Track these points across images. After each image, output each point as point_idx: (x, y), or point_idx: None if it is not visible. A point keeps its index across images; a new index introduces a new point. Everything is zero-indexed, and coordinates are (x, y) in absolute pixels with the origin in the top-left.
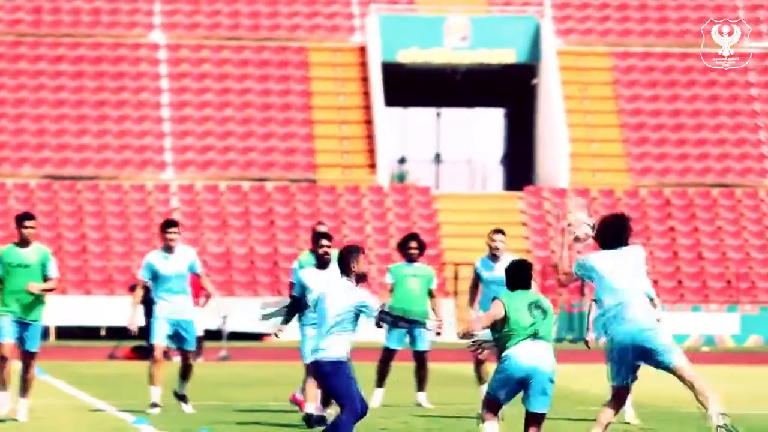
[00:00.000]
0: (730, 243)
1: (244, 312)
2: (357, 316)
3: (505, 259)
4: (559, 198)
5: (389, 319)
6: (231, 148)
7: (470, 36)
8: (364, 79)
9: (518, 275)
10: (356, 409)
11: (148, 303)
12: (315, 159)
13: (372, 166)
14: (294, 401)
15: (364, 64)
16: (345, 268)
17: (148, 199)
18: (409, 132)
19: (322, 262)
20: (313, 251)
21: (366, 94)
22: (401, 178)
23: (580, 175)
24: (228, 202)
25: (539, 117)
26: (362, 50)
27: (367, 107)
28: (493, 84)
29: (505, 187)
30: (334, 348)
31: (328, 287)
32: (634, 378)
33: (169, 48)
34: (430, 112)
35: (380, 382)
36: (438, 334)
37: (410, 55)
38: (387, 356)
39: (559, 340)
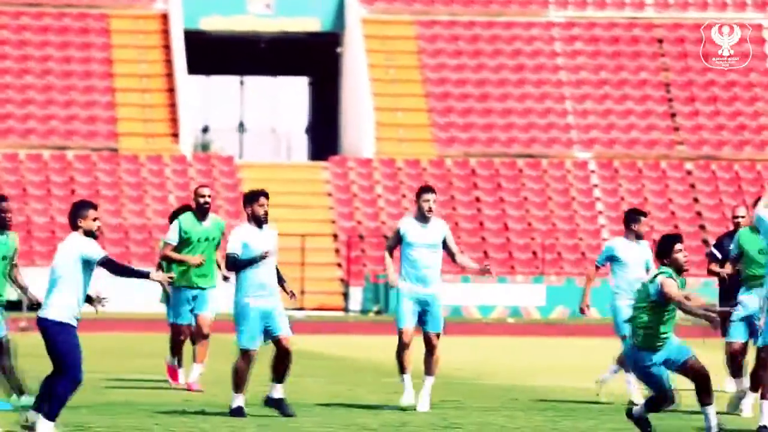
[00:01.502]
0: (535, 214)
1: (45, 282)
2: (86, 268)
3: (434, 222)
4: (364, 168)
5: (112, 267)
6: (31, 116)
7: (274, 4)
8: (167, 47)
9: (658, 250)
10: (78, 376)
11: None
12: (117, 128)
13: (175, 135)
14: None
15: (166, 32)
16: (73, 223)
17: None
18: (213, 100)
19: (258, 222)
20: (195, 211)
21: (168, 62)
22: (204, 147)
23: (386, 145)
24: (28, 171)
25: (344, 86)
26: (164, 17)
27: (170, 75)
28: (297, 52)
29: (310, 156)
30: (60, 308)
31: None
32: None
33: None
34: (233, 80)
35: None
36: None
37: (213, 23)
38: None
39: (364, 311)
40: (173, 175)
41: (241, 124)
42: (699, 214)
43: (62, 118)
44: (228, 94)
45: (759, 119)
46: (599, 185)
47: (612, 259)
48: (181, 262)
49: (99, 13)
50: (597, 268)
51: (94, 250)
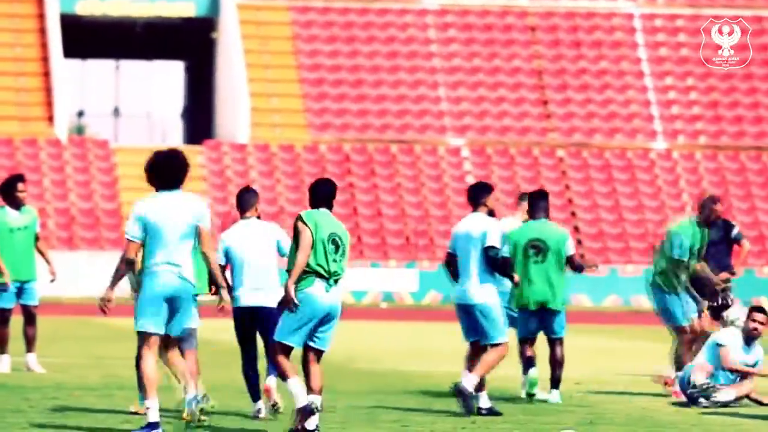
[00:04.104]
0: (409, 200)
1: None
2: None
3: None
4: (238, 153)
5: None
6: None
7: None
8: (42, 31)
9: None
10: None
11: None
12: None
13: (50, 118)
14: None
15: (41, 15)
16: (246, 208)
17: None
18: (88, 85)
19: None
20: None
21: (44, 45)
22: (80, 131)
23: (261, 130)
24: None
25: (219, 71)
26: (40, 1)
27: (45, 59)
28: (172, 37)
29: (185, 141)
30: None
31: (243, 230)
32: None
33: None
34: (109, 64)
35: (3, 347)
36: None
37: (89, 7)
38: (3, 317)
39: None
40: (48, 158)
41: (116, 109)
42: (570, 200)
43: None
44: (103, 78)
45: (629, 107)
46: (472, 171)
47: None
48: None
49: None
50: None
51: (286, 242)
